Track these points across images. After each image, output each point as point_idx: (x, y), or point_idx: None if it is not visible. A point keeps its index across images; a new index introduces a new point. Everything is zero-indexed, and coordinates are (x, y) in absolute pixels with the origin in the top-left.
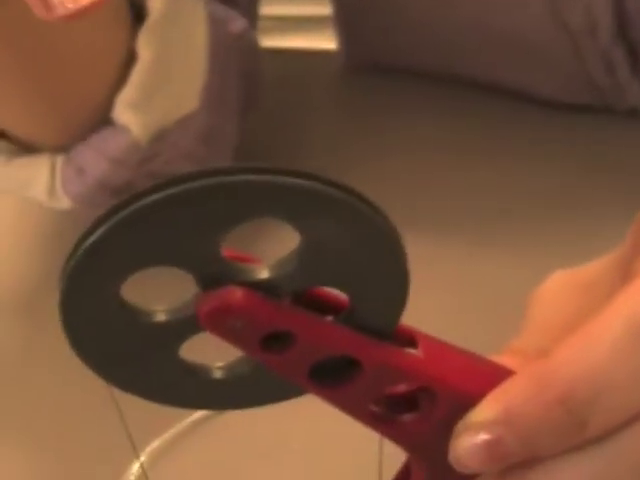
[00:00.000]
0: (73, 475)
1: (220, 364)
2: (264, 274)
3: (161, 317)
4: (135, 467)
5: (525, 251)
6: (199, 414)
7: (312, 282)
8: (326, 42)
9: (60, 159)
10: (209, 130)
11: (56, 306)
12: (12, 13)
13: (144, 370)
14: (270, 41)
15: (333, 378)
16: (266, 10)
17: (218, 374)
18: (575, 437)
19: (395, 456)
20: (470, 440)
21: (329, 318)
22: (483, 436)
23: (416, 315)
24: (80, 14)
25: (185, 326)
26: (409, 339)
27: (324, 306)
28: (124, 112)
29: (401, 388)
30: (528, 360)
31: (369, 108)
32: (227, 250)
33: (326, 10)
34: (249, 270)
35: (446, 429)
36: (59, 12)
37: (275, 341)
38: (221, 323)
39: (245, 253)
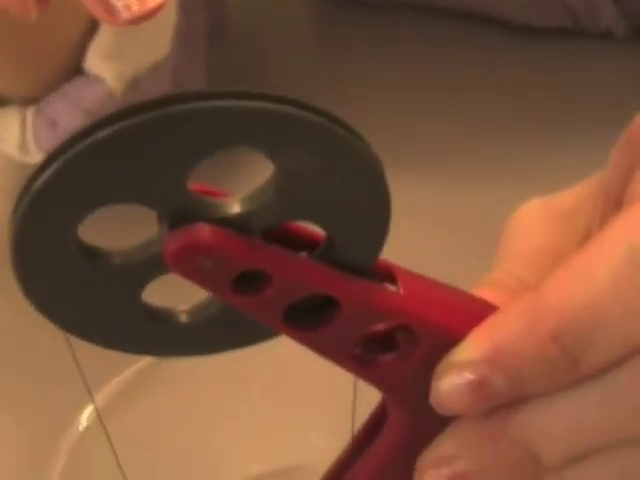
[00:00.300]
0: (26, 420)
1: (185, 307)
2: (235, 209)
3: (122, 258)
4: (88, 411)
5: (508, 184)
6: None
7: (287, 216)
8: None
9: (30, 112)
10: (179, 70)
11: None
12: None
13: (104, 316)
14: None
15: (309, 319)
16: None
17: (183, 318)
18: (568, 376)
19: (369, 396)
20: (453, 380)
21: (304, 255)
22: (467, 376)
23: (395, 251)
24: (146, 17)
25: (148, 267)
26: (388, 275)
27: (299, 242)
28: (97, 62)
29: (380, 327)
30: (510, 292)
31: (345, 41)
32: (195, 185)
33: None
34: (219, 205)
35: (427, 369)
36: (124, 16)
37: (247, 281)
38: (189, 263)
39: (214, 187)
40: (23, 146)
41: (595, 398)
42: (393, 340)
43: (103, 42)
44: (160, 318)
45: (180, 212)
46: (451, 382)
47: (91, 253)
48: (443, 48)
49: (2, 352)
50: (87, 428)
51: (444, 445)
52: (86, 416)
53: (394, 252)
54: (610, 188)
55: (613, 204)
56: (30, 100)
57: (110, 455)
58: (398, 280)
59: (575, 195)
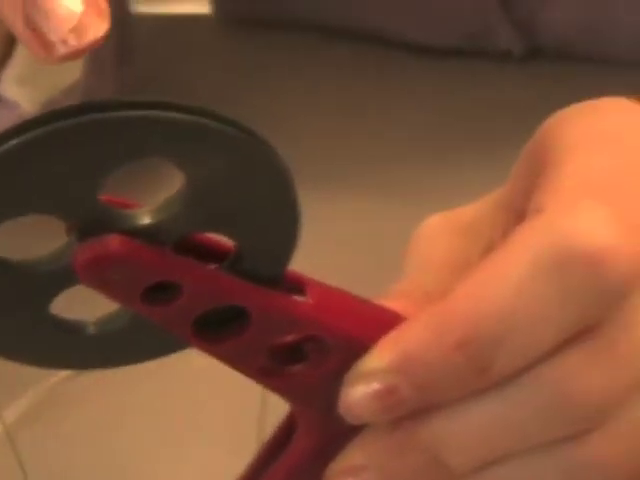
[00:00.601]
0: None
1: (94, 319)
2: (146, 219)
3: (31, 269)
4: None
5: (416, 201)
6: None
7: (196, 227)
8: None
9: None
10: (90, 92)
11: None
12: None
13: (14, 329)
14: (145, 7)
15: (218, 331)
16: None
17: (92, 329)
18: (474, 383)
19: (278, 407)
20: (361, 390)
21: (213, 266)
22: (375, 385)
23: (305, 261)
24: (83, 52)
25: (58, 278)
26: (297, 286)
27: (208, 253)
28: (11, 87)
29: (289, 338)
30: (415, 302)
31: (252, 62)
32: (105, 196)
33: None
34: (129, 216)
35: (336, 379)
36: (61, 51)
37: (158, 292)
38: (99, 275)
39: (125, 199)
40: None
41: (501, 407)
42: (302, 351)
43: (17, 67)
44: (68, 330)
45: (90, 223)
46: (359, 391)
47: None
48: (345, 70)
49: None
50: None
51: (352, 456)
52: None
53: (303, 263)
54: (512, 201)
55: (515, 217)
56: None
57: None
58: (307, 290)
59: (474, 210)
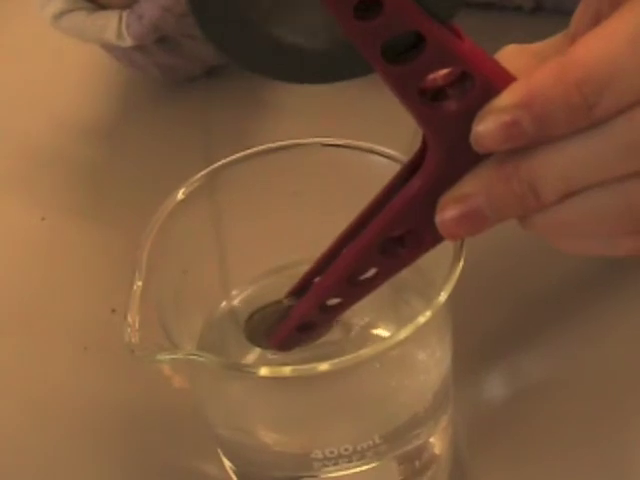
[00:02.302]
0: None
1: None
2: None
3: None
4: None
5: None
6: None
7: None
8: None
9: (126, 11)
10: None
11: None
12: None
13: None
14: None
15: (399, 55)
16: None
17: (300, 42)
18: (582, 119)
19: None
20: (491, 121)
21: None
22: (503, 117)
23: None
24: None
25: None
26: (458, 33)
27: None
28: None
29: (444, 75)
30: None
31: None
32: None
33: None
34: None
35: (472, 116)
36: None
37: (364, 10)
38: None
39: None
40: (119, 34)
41: (596, 142)
42: (445, 94)
43: None
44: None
45: None
46: (490, 122)
47: None
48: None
49: None
50: None
51: (464, 185)
52: None
53: None
54: (572, 38)
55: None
56: (127, 6)
57: None
58: (464, 39)
59: (543, 43)
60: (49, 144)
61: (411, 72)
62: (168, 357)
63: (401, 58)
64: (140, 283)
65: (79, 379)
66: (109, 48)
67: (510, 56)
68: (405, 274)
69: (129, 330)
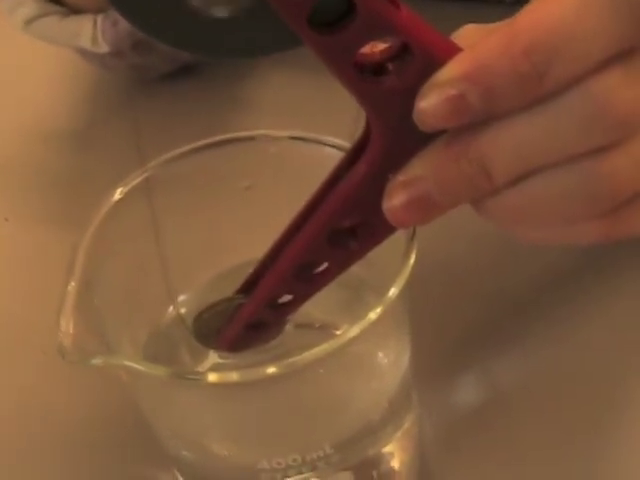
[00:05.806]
0: None
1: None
2: None
3: None
4: None
5: None
6: None
7: None
8: None
9: (100, 16)
10: None
11: None
12: None
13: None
14: None
15: (327, 25)
16: None
17: (220, 12)
18: (533, 90)
19: None
20: (435, 96)
21: None
22: (448, 91)
23: None
24: None
25: None
26: (395, 2)
27: None
28: None
29: (378, 48)
30: None
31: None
32: None
33: None
34: None
35: (413, 94)
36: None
37: None
38: None
39: None
40: (94, 40)
41: (547, 119)
42: (385, 70)
43: None
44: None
45: None
46: (433, 96)
47: None
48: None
49: None
50: None
51: (411, 169)
52: None
53: None
54: None
55: None
56: (100, 10)
57: None
58: (402, 7)
59: (503, 22)
60: (11, 145)
61: (343, 43)
62: (101, 362)
63: (330, 28)
64: (74, 284)
65: (38, 383)
66: (82, 52)
67: (468, 35)
68: (363, 271)
69: (60, 333)
